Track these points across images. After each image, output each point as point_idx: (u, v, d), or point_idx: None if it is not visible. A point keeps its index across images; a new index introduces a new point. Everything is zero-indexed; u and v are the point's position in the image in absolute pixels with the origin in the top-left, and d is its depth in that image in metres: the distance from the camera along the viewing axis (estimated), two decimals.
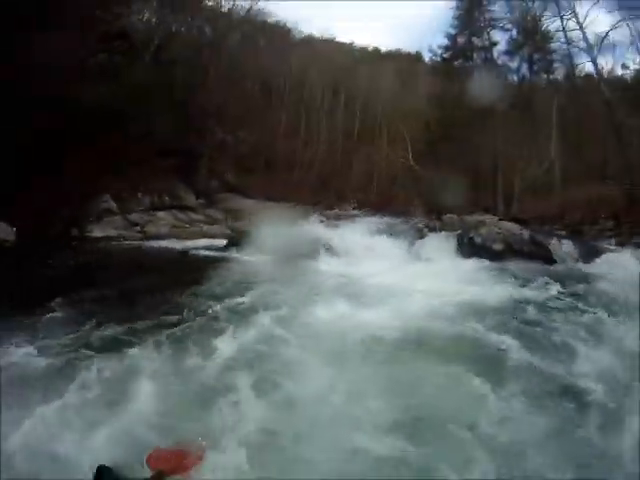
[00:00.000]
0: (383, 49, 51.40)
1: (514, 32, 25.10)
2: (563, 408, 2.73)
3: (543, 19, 22.31)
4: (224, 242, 9.57)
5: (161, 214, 11.86)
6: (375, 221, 10.87)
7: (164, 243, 10.46)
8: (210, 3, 21.45)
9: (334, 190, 32.42)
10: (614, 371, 3.11)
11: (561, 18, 18.30)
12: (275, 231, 9.08)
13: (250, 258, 7.88)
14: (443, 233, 9.50)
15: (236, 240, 9.25)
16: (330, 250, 7.83)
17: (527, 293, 5.33)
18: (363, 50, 51.12)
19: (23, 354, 3.32)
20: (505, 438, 2.41)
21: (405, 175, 27.84)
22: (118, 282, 5.60)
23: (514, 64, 25.35)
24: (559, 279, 5.99)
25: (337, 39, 45.96)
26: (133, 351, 3.45)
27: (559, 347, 3.72)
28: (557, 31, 20.61)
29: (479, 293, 5.19)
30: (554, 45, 22.93)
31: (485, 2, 24.48)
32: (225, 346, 3.58)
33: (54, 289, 4.98)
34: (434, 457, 2.22)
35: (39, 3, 8.79)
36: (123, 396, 2.68)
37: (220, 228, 11.95)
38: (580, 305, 4.87)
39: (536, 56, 24.61)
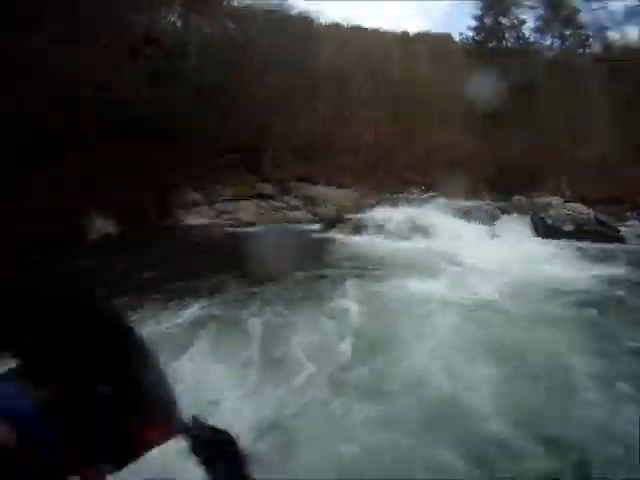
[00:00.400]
0: (411, 32, 50.58)
1: (541, 9, 24.76)
2: None
3: None
4: (318, 225, 10.83)
5: (244, 203, 13.19)
6: (446, 203, 11.30)
7: (257, 228, 11.63)
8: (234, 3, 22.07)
9: (395, 174, 33.40)
10: None
11: None
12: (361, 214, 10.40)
13: (352, 237, 9.13)
14: (515, 215, 10.46)
15: (330, 223, 10.58)
16: (421, 231, 8.94)
17: (610, 271, 6.06)
18: (392, 34, 50.38)
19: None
20: None
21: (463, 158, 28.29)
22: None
23: (547, 42, 25.06)
24: (631, 258, 6.76)
25: (363, 25, 45.72)
26: None
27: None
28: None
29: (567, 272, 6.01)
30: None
31: None
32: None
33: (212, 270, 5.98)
34: None
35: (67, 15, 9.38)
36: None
37: (302, 213, 13.22)
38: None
39: (567, 32, 24.24)
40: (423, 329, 3.71)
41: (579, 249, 7.52)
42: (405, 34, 52.47)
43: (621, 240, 8.61)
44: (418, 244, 8.23)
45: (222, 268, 5.92)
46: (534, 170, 20.98)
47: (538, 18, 24.76)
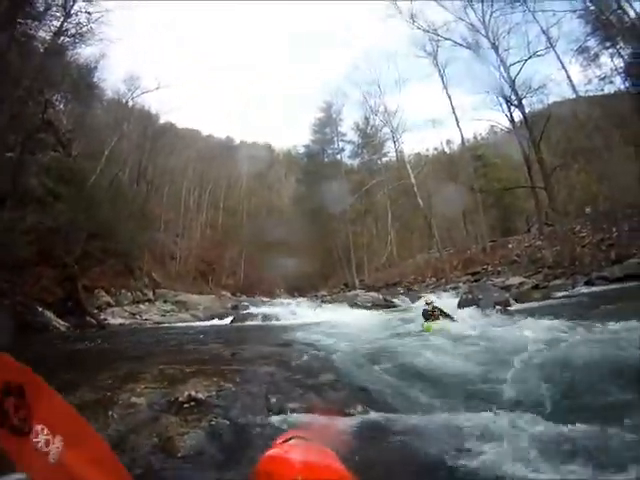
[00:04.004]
0: (237, 140, 60.66)
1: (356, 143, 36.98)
2: None
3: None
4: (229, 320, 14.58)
5: (142, 306, 16.09)
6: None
7: (177, 325, 13.68)
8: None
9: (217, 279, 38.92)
10: None
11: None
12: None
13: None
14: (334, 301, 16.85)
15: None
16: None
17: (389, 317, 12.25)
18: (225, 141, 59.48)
19: None
20: None
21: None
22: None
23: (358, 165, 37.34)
24: (399, 312, 13.25)
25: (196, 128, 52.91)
26: None
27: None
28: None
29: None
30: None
31: (338, 120, 35.76)
32: None
33: None
34: None
35: None
36: None
37: (186, 315, 16.77)
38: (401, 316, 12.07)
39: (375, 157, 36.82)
40: None
41: (375, 314, 13.80)
42: (229, 140, 61.13)
43: (395, 306, 15.41)
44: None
45: None
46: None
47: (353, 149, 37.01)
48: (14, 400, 0.85)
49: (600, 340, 4.25)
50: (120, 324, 13.51)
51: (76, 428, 0.95)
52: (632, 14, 17.15)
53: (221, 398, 2.96)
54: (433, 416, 2.61)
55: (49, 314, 10.90)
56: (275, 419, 2.73)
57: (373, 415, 2.69)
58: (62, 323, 11.02)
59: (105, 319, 13.79)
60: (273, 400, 3.00)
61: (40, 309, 10.72)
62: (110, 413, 2.66)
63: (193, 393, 2.92)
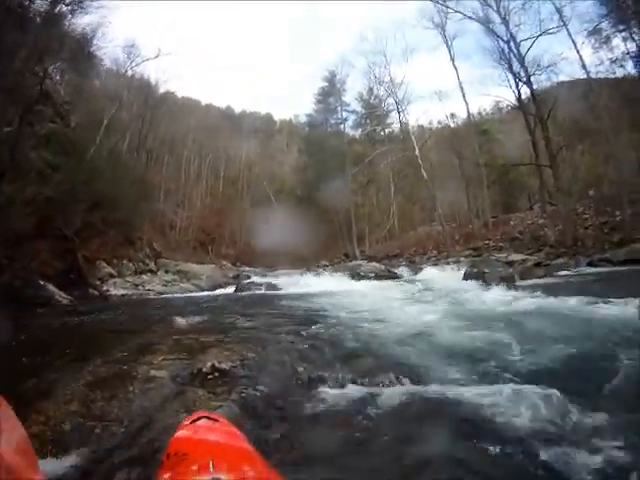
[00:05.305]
0: (238, 109, 59.61)
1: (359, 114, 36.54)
2: None
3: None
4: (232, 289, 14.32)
5: (145, 277, 15.98)
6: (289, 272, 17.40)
7: (181, 295, 13.66)
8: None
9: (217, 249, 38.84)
10: None
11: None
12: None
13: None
14: (337, 271, 16.80)
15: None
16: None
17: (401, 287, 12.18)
18: (225, 110, 58.60)
19: None
20: None
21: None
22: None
23: (361, 135, 36.82)
24: (400, 283, 13.20)
25: (196, 98, 51.92)
26: None
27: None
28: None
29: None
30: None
31: (342, 90, 35.32)
32: None
33: None
34: None
35: None
36: None
37: (188, 285, 16.66)
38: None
39: (379, 128, 36.38)
40: None
41: (377, 284, 13.77)
42: (230, 109, 60.34)
43: (399, 277, 15.37)
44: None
45: None
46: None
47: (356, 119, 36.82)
48: None
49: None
50: (123, 295, 13.36)
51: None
52: None
53: (246, 368, 2.85)
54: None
55: (51, 287, 10.65)
56: (306, 389, 2.64)
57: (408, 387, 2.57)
58: (65, 296, 10.77)
59: (108, 290, 13.64)
60: (300, 369, 2.90)
61: (42, 283, 10.48)
62: (131, 388, 2.52)
63: (216, 364, 2.80)
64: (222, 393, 2.43)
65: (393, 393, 2.42)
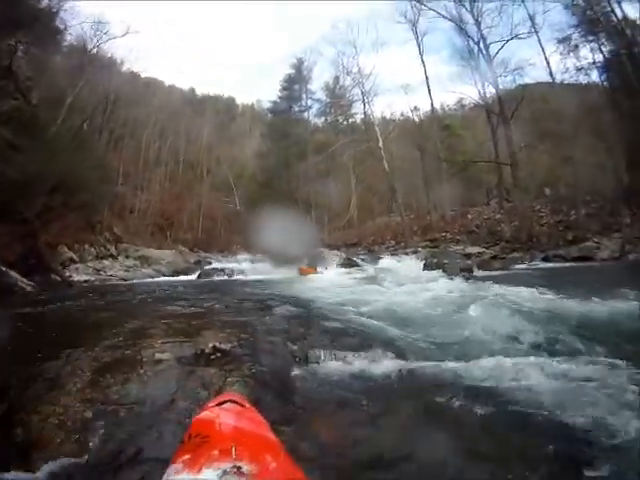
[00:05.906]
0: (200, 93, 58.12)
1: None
2: None
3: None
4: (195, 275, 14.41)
5: (106, 262, 15.66)
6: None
7: (145, 281, 13.61)
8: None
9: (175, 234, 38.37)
10: None
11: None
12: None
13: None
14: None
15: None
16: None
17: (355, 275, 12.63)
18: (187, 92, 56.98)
19: None
20: None
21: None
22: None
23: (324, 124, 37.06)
24: (362, 271, 13.57)
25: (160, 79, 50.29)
26: None
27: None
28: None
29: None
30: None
31: (308, 78, 35.32)
32: None
33: None
34: None
35: None
36: None
37: (150, 270, 16.38)
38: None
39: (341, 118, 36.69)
40: None
41: (341, 272, 14.17)
42: (191, 91, 58.54)
43: (358, 265, 15.83)
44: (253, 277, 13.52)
45: None
46: None
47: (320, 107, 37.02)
48: None
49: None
50: (85, 281, 13.07)
51: None
52: (620, 15, 17.91)
53: (245, 348, 3.06)
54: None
55: (13, 274, 10.16)
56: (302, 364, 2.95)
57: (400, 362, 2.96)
58: (27, 282, 10.32)
59: (70, 276, 13.32)
60: (294, 347, 3.17)
61: (4, 269, 10.04)
62: (142, 371, 2.59)
63: (217, 344, 3.01)
64: (231, 371, 2.64)
65: (380, 366, 2.81)
